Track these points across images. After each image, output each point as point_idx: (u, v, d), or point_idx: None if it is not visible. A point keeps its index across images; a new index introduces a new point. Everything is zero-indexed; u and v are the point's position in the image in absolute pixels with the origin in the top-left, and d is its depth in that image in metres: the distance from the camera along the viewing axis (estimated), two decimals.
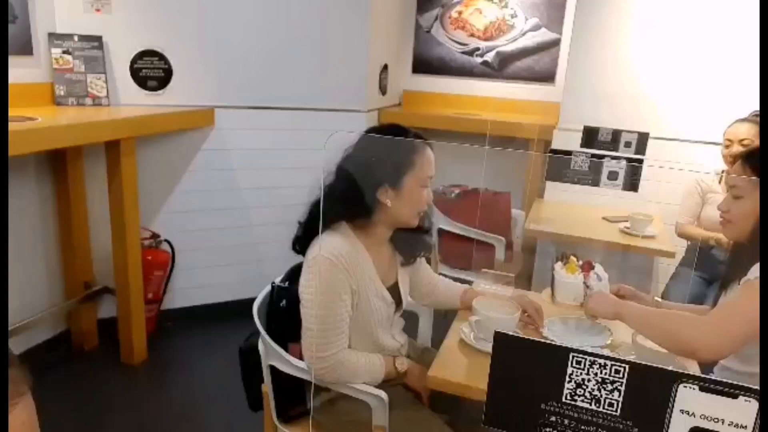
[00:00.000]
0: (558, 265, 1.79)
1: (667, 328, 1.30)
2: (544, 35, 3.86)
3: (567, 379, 0.74)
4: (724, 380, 0.67)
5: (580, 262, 1.76)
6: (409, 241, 1.60)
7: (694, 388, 0.68)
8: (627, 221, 2.75)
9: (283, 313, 1.55)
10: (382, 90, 3.77)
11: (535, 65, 3.91)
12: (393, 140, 1.50)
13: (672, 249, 2.58)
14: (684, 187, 2.84)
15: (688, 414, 0.69)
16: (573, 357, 0.73)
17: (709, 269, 2.61)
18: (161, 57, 2.87)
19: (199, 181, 3.10)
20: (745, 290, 1.30)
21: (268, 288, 1.65)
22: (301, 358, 1.49)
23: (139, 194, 2.66)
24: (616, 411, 0.72)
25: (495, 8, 3.93)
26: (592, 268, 1.72)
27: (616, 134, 2.53)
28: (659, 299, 1.67)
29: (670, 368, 0.69)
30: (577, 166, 1.90)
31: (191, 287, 3.21)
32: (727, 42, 3.01)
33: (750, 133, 2.48)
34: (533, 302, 1.64)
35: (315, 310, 1.42)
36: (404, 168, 1.46)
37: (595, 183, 1.87)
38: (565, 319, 1.64)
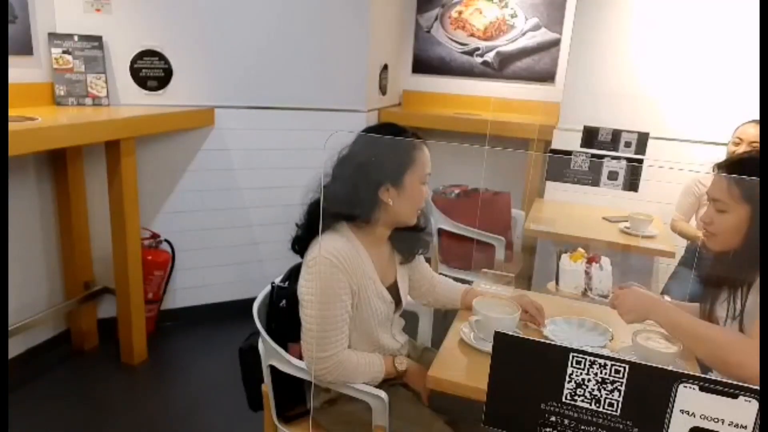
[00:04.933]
0: (565, 256, 1.79)
1: (712, 349, 1.29)
2: (544, 35, 3.86)
3: (567, 379, 0.74)
4: (724, 380, 0.67)
5: (588, 255, 1.77)
6: (408, 240, 1.60)
7: (694, 388, 0.68)
8: (627, 221, 2.75)
9: (283, 313, 1.55)
10: (382, 90, 3.77)
11: (535, 65, 3.91)
12: (391, 139, 1.50)
13: (672, 249, 2.58)
14: (683, 185, 2.85)
15: (688, 414, 0.69)
16: (573, 357, 0.73)
17: (704, 268, 2.62)
18: (161, 57, 2.87)
19: (199, 181, 3.10)
20: None
21: (268, 288, 1.65)
22: (301, 358, 1.49)
23: (139, 194, 2.66)
24: (616, 411, 0.72)
25: (495, 8, 3.93)
26: (598, 261, 1.73)
27: (616, 134, 2.53)
28: (669, 299, 1.67)
29: (670, 368, 0.69)
30: (577, 166, 1.89)
31: (191, 287, 3.21)
32: (727, 42, 3.01)
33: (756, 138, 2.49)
34: (534, 301, 1.64)
35: (315, 310, 1.42)
36: (405, 166, 1.46)
37: (595, 183, 1.87)
38: (567, 319, 1.64)
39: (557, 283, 1.78)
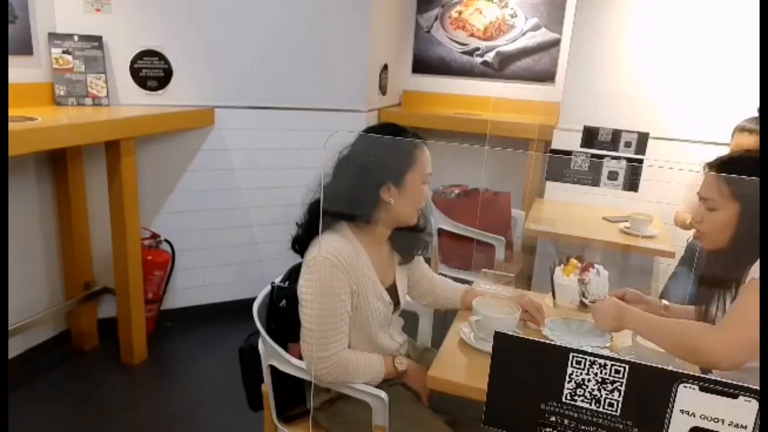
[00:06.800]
0: (558, 269, 1.79)
1: (683, 341, 1.30)
2: (544, 35, 3.86)
3: (567, 379, 0.74)
4: (724, 380, 0.67)
5: (581, 264, 1.76)
6: (407, 240, 1.60)
7: (694, 388, 0.68)
8: (627, 221, 2.75)
9: (283, 313, 1.55)
10: (382, 90, 3.77)
11: (535, 65, 3.91)
12: (392, 139, 1.50)
13: (672, 249, 2.58)
14: (688, 180, 2.84)
15: (688, 414, 0.69)
16: (573, 357, 0.73)
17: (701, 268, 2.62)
18: (161, 57, 2.87)
19: (199, 181, 3.10)
20: (749, 294, 1.29)
21: (268, 288, 1.65)
22: (301, 358, 1.49)
23: (139, 194, 2.66)
24: (616, 411, 0.72)
25: (495, 8, 3.93)
26: (592, 267, 1.72)
27: (616, 134, 2.53)
28: (666, 302, 1.67)
29: (670, 368, 0.69)
30: (577, 166, 1.89)
31: (191, 287, 3.21)
32: (727, 41, 3.01)
33: (755, 147, 2.49)
34: (533, 301, 1.64)
35: (315, 310, 1.42)
36: (406, 165, 1.46)
37: (595, 183, 1.87)
38: (567, 320, 1.64)
39: (554, 296, 1.78)
